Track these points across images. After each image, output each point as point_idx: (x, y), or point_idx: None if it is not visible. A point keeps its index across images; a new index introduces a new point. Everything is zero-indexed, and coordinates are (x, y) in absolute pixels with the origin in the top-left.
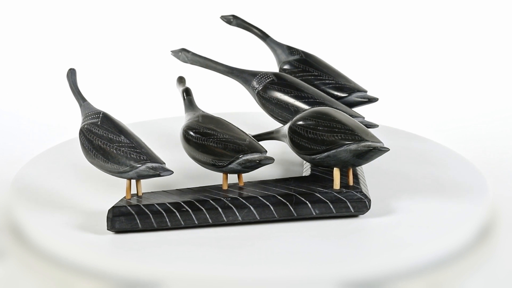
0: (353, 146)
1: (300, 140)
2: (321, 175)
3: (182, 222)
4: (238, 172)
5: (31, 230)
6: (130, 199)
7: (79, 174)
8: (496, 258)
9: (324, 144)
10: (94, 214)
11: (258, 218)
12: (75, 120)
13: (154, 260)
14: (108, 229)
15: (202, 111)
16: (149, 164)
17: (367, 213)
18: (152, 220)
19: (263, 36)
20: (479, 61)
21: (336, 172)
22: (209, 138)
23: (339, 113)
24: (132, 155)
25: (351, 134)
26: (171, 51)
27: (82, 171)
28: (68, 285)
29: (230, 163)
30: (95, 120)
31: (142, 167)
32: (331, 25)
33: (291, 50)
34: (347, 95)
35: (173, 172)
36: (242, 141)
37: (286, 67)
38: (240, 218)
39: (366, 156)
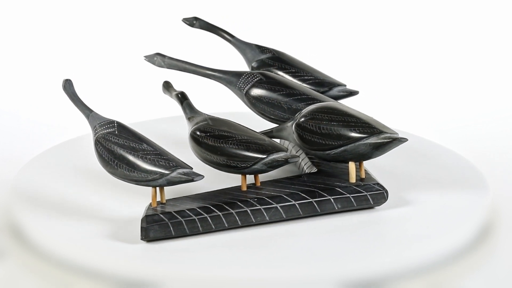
0: (373, 139)
1: (312, 136)
2: (329, 170)
3: (213, 226)
4: (262, 172)
5: (31, 230)
6: (156, 207)
7: (79, 174)
8: (496, 258)
9: (340, 139)
10: (94, 214)
11: (285, 217)
12: (75, 120)
13: (156, 261)
14: (142, 239)
15: (207, 114)
16: (180, 170)
17: (366, 212)
18: (185, 226)
19: (229, 36)
20: (479, 61)
21: (352, 166)
22: (227, 140)
23: (348, 108)
24: (160, 162)
25: (368, 127)
26: (145, 57)
27: (82, 171)
28: (68, 285)
29: (254, 164)
30: (111, 130)
31: (173, 174)
32: (329, 25)
33: (261, 48)
34: (327, 89)
35: (204, 177)
36: (263, 141)
37: (259, 66)
38: (267, 218)
39: (385, 148)
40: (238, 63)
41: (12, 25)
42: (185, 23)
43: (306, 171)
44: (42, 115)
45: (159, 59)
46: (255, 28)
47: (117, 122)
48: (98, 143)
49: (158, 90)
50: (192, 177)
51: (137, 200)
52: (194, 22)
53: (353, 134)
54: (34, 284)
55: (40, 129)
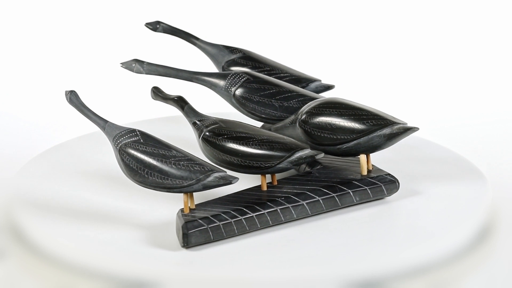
0: (387, 130)
1: (321, 132)
2: (334, 165)
3: (247, 228)
4: (285, 170)
5: (31, 230)
6: (189, 213)
7: (78, 175)
8: (496, 258)
9: (354, 133)
10: (94, 213)
11: (310, 213)
12: (75, 120)
13: (154, 260)
14: (183, 246)
15: (214, 117)
16: (217, 174)
17: (365, 213)
18: (222, 230)
19: (193, 39)
20: (479, 61)
21: (363, 158)
22: (248, 141)
23: (351, 101)
24: (195, 168)
25: (381, 118)
26: (121, 63)
27: (82, 172)
28: (68, 285)
29: (280, 163)
30: (135, 138)
31: (209, 178)
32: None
33: (230, 49)
34: (305, 85)
35: (238, 178)
36: (284, 140)
37: (231, 66)
38: (295, 216)
39: (397, 138)
40: (205, 65)
41: (12, 26)
42: (148, 27)
43: (306, 168)
44: (42, 115)
45: (138, 66)
46: (209, 30)
47: (139, 130)
48: (123, 152)
49: (139, 92)
50: (230, 180)
51: (136, 200)
52: (157, 26)
53: (367, 127)
54: (34, 284)
55: (40, 129)
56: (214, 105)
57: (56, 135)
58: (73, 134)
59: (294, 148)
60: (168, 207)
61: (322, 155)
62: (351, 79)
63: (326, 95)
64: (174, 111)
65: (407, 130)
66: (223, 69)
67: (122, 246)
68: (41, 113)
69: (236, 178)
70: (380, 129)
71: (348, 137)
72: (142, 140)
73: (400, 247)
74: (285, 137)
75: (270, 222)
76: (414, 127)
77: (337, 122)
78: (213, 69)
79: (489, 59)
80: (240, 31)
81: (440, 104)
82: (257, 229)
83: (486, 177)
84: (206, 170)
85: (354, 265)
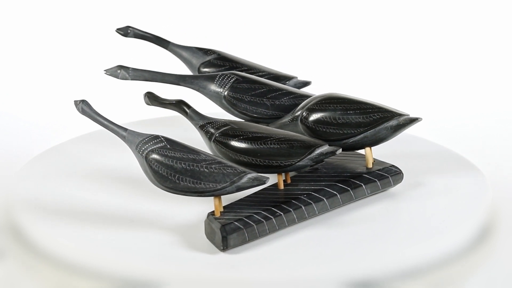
0: (394, 122)
1: (327, 128)
2: (337, 160)
3: (277, 227)
4: (304, 168)
5: (31, 230)
6: (220, 216)
7: (78, 174)
8: (496, 258)
9: (361, 126)
10: (93, 213)
11: (329, 208)
12: (75, 120)
13: (155, 260)
14: (222, 249)
15: (223, 118)
16: (250, 175)
17: (365, 213)
18: (256, 230)
19: (164, 42)
20: (479, 60)
21: (369, 151)
22: (266, 141)
23: (351, 96)
24: (227, 170)
25: (386, 111)
26: (105, 70)
27: (82, 171)
28: (68, 285)
29: (300, 160)
30: (161, 144)
31: (243, 180)
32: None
33: (204, 50)
34: (283, 82)
35: (269, 178)
36: (300, 137)
37: (207, 67)
38: (317, 212)
39: (402, 130)
40: (180, 68)
41: (12, 26)
42: (119, 33)
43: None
44: (42, 115)
45: (123, 72)
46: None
47: (163, 136)
48: (152, 160)
49: (118, 94)
50: (263, 180)
51: (137, 200)
52: (128, 31)
53: (374, 120)
54: (34, 284)
55: (40, 129)
56: (200, 107)
57: (56, 135)
58: (73, 134)
59: (313, 145)
60: (168, 207)
61: (340, 150)
62: (331, 78)
63: (314, 91)
64: (161, 112)
65: (412, 121)
66: (199, 71)
67: (122, 246)
68: (41, 113)
69: (268, 178)
70: (387, 121)
71: (355, 131)
72: (169, 146)
73: (400, 246)
74: (300, 134)
75: (296, 220)
76: (418, 118)
77: (343, 117)
78: (187, 72)
79: (489, 59)
80: (201, 34)
81: (440, 103)
82: (285, 227)
83: (486, 177)
84: (238, 172)
85: (355, 265)
